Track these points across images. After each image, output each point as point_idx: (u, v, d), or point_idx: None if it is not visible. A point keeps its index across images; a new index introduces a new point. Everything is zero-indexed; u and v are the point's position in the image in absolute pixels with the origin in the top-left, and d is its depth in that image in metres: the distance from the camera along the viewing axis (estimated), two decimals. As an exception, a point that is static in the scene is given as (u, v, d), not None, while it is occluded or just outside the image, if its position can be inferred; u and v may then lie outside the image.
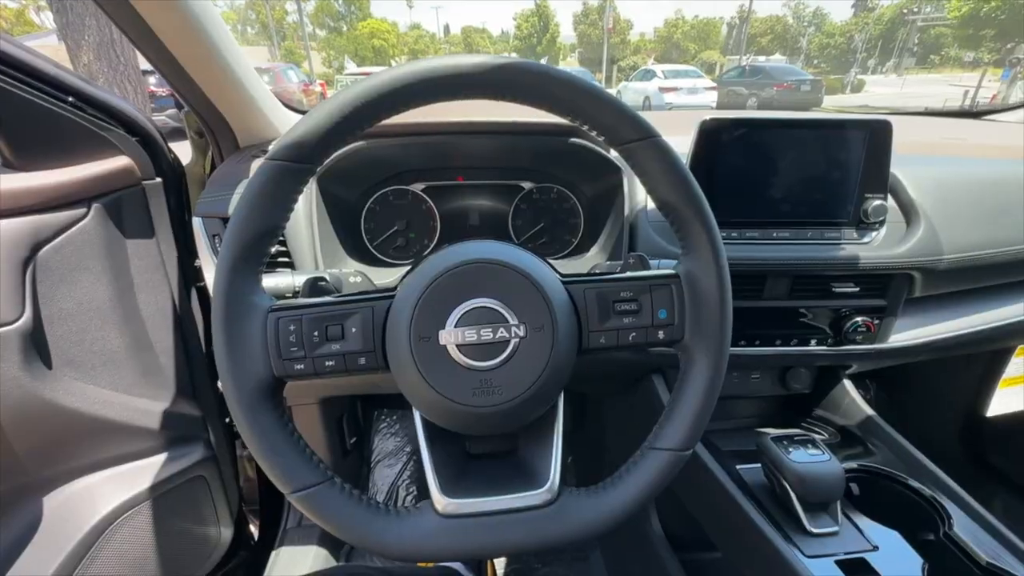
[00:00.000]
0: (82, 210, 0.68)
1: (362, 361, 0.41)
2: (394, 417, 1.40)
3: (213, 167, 0.84)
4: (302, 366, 0.40)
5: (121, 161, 0.71)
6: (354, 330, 0.41)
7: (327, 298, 0.43)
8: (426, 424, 0.45)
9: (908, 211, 0.75)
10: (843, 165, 0.71)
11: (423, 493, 1.27)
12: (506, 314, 0.40)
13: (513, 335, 0.40)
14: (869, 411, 0.80)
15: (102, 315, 0.72)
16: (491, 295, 0.40)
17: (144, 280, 0.77)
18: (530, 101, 0.41)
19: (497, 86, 0.40)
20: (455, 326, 0.40)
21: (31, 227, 0.63)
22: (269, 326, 0.40)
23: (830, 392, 0.86)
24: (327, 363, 0.41)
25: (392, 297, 0.42)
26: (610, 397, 1.00)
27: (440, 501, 0.41)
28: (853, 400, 0.82)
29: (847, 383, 0.84)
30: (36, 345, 0.65)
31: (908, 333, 0.79)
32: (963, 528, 0.60)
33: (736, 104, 12.98)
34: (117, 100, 0.71)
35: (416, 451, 1.34)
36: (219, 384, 0.91)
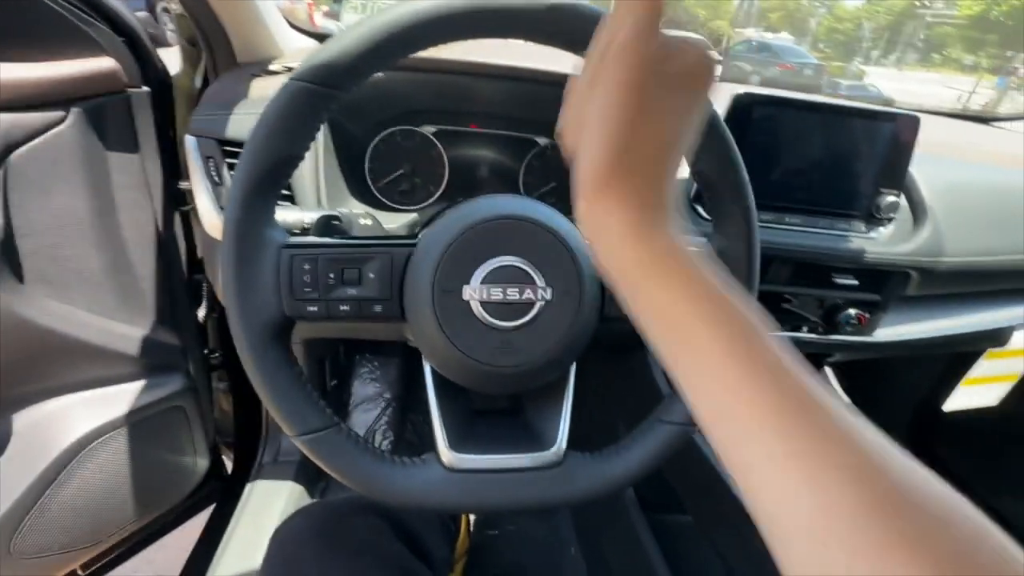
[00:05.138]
0: (60, 113, 0.61)
1: (378, 309, 0.40)
2: (375, 363, 1.39)
3: (205, 82, 0.77)
4: (315, 308, 0.38)
5: (105, 63, 0.64)
6: (371, 275, 0.39)
7: (344, 239, 0.41)
8: (436, 377, 0.44)
9: (917, 210, 0.76)
10: (864, 157, 0.71)
11: (400, 440, 1.29)
12: (534, 275, 0.39)
13: (539, 297, 0.39)
14: (844, 399, 0.83)
15: (79, 231, 0.67)
16: (521, 254, 0.39)
17: (125, 198, 0.72)
18: (580, 51, 0.38)
19: (549, 30, 0.37)
20: (481, 282, 0.38)
21: (3, 126, 0.57)
22: (282, 263, 0.37)
23: (810, 378, 0.89)
24: (342, 307, 0.39)
25: (413, 245, 0.40)
26: (595, 363, 1.02)
27: (446, 454, 0.41)
28: (832, 389, 0.85)
29: (828, 372, 0.87)
30: (6, 256, 0.60)
31: (894, 329, 0.81)
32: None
33: (738, 79, 12.69)
34: (101, -9, 0.63)
35: (395, 398, 1.34)
36: (199, 313, 0.87)
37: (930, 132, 0.70)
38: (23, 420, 0.68)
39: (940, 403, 1.13)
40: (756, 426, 0.22)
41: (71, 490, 0.73)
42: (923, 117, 0.69)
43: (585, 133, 0.27)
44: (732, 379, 0.23)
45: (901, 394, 1.22)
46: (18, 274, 0.62)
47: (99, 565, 0.88)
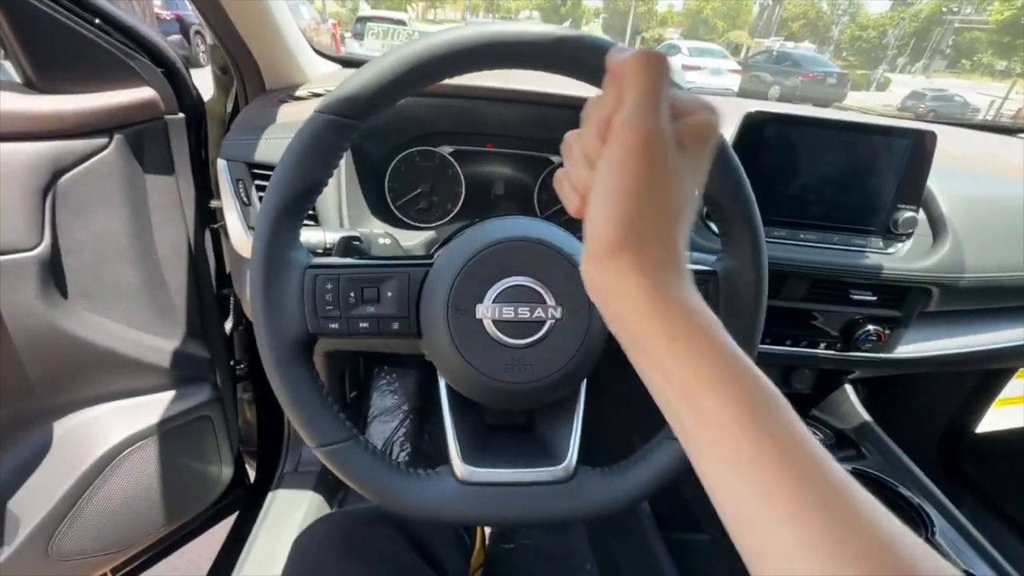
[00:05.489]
0: (104, 140, 0.66)
1: (395, 326, 0.42)
2: (393, 376, 1.42)
3: (236, 107, 0.82)
4: (336, 325, 0.40)
5: (145, 92, 0.68)
6: (390, 294, 0.41)
7: (363, 260, 0.43)
8: (450, 392, 0.46)
9: (937, 225, 0.75)
10: (881, 172, 0.70)
11: (417, 452, 1.30)
12: (545, 295, 0.40)
13: (550, 316, 0.40)
14: (866, 417, 0.82)
15: (119, 249, 0.71)
16: (532, 274, 0.40)
17: (161, 218, 0.76)
18: (593, 80, 0.40)
19: (559, 60, 0.39)
20: (493, 301, 0.40)
21: (52, 153, 0.61)
22: (307, 283, 0.39)
23: (830, 395, 0.87)
24: (361, 324, 0.41)
25: (429, 265, 0.42)
26: (609, 378, 1.02)
27: (460, 467, 0.42)
28: (852, 405, 0.83)
29: (848, 388, 0.86)
30: (53, 274, 0.64)
31: (916, 346, 0.80)
32: (945, 537, 0.63)
33: (758, 91, 12.65)
34: (143, 27, 0.68)
35: (413, 410, 1.36)
36: (227, 325, 0.91)
37: (954, 144, 0.69)
38: (62, 428, 0.72)
39: (970, 423, 1.10)
40: (755, 490, 0.22)
41: (104, 496, 0.76)
42: (947, 129, 0.69)
43: (595, 197, 0.27)
44: (736, 445, 0.23)
45: (929, 412, 1.19)
46: (62, 290, 0.66)
47: (128, 569, 0.91)
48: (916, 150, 0.69)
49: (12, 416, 0.68)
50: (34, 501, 0.70)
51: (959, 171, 0.82)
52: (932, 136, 0.68)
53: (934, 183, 0.74)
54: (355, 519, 0.57)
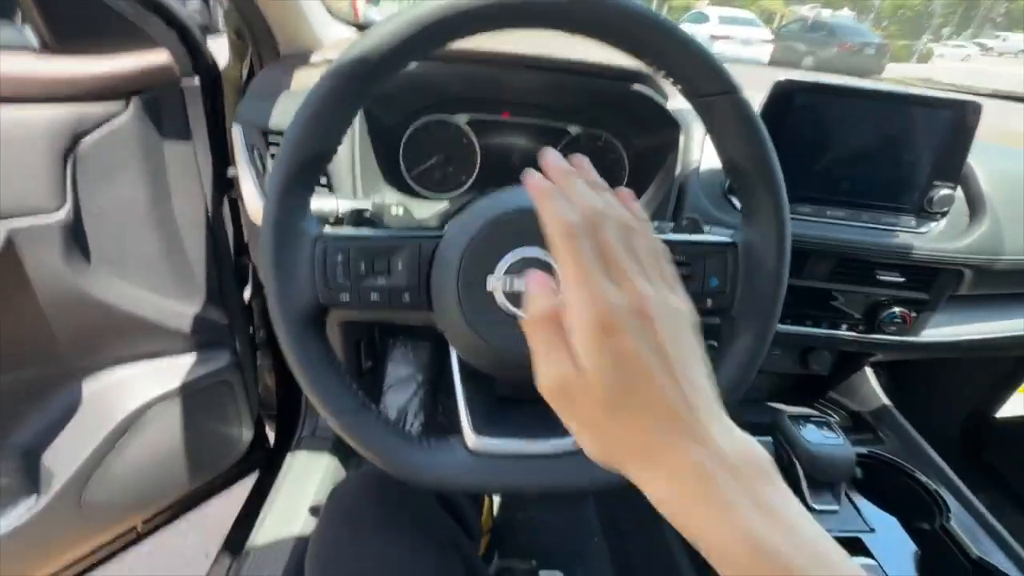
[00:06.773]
0: (121, 104, 0.66)
1: (406, 298, 0.41)
2: (408, 346, 1.44)
3: (251, 72, 0.81)
4: (347, 296, 0.40)
5: (160, 56, 0.68)
6: (400, 266, 0.41)
7: (374, 230, 0.42)
8: (462, 364, 0.46)
9: (975, 204, 0.71)
10: (917, 147, 0.67)
11: (431, 421, 1.33)
12: (556, 267, 0.39)
13: (561, 288, 0.39)
14: (885, 400, 0.80)
15: (138, 215, 0.72)
16: (544, 245, 0.39)
17: (179, 185, 0.76)
18: (610, 40, 0.38)
19: (577, 20, 0.37)
20: (504, 273, 0.39)
21: (72, 116, 0.62)
22: (317, 253, 0.39)
23: (848, 377, 0.86)
24: (372, 296, 0.41)
25: (440, 236, 0.41)
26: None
27: (471, 438, 0.43)
28: (872, 388, 0.82)
29: (868, 370, 0.84)
30: (76, 238, 0.66)
31: (942, 330, 0.77)
32: (959, 522, 0.62)
33: (791, 62, 12.06)
34: (156, -12, 0.67)
35: (427, 381, 1.38)
36: (245, 293, 0.92)
37: (1000, 119, 0.65)
38: (89, 388, 0.75)
39: (994, 410, 1.07)
40: None
41: (132, 452, 0.80)
42: (991, 102, 0.64)
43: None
44: None
45: (952, 398, 1.16)
46: (85, 254, 0.68)
47: (155, 524, 0.96)
48: (957, 123, 0.65)
49: (41, 375, 0.71)
50: (66, 455, 0.73)
51: (1003, 147, 0.77)
52: (976, 107, 0.64)
53: (974, 158, 0.70)
54: (388, 476, 0.59)
